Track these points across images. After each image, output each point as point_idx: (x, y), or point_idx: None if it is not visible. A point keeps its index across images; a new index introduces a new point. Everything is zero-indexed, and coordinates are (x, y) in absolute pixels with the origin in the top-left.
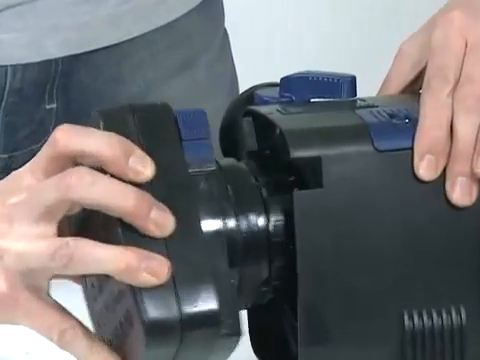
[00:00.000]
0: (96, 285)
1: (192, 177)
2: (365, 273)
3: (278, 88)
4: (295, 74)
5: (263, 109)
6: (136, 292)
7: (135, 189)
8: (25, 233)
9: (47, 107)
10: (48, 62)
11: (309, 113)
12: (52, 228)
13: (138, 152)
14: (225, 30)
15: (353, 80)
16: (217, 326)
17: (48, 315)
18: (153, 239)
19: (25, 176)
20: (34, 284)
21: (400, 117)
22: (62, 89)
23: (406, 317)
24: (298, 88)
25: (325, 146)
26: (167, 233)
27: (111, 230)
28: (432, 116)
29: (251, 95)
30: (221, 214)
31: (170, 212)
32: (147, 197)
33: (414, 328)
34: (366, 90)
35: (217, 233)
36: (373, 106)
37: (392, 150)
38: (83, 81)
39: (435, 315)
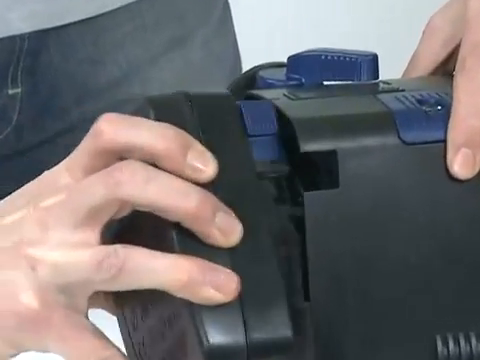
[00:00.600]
0: (139, 310)
1: (261, 179)
2: (390, 290)
3: (285, 69)
4: (305, 52)
5: (267, 94)
6: (195, 312)
7: (198, 188)
8: (63, 240)
9: (10, 92)
10: (12, 39)
11: (322, 98)
12: (95, 235)
13: (198, 147)
14: (226, 0)
15: (374, 59)
16: (288, 355)
17: (86, 340)
18: (215, 249)
19: (61, 175)
20: (71, 302)
21: (431, 103)
22: (28, 71)
23: (439, 343)
24: (309, 69)
25: (342, 138)
26: (234, 242)
27: (163, 237)
28: (468, 102)
29: (252, 77)
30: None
31: (238, 220)
32: (211, 198)
33: (449, 356)
34: (388, 73)
35: (289, 246)
36: (399, 90)
37: (421, 143)
38: (53, 62)
39: (474, 340)
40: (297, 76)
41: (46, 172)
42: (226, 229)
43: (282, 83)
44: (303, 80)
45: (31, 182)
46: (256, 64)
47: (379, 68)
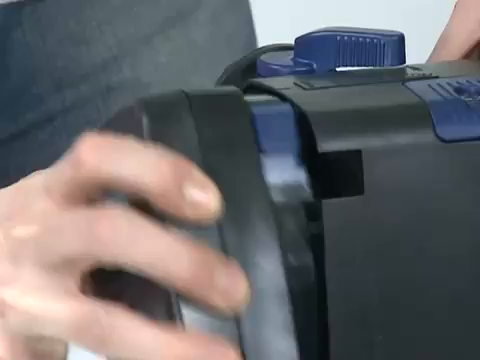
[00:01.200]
0: None
1: (277, 212)
2: (427, 326)
3: (290, 52)
4: (316, 32)
5: (274, 82)
6: None
7: (193, 247)
8: (37, 284)
9: None
10: None
11: (342, 88)
12: (76, 280)
13: (197, 177)
14: None
15: (400, 39)
16: None
17: None
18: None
19: (38, 194)
20: (47, 351)
21: (471, 92)
22: None
23: None
24: (321, 52)
25: (367, 135)
26: (239, 306)
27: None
28: None
29: (252, 63)
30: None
31: (245, 276)
32: (209, 257)
33: None
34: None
35: (311, 304)
36: (431, 77)
37: (462, 140)
38: (27, 40)
39: None
40: (306, 61)
41: (23, 183)
42: (230, 294)
43: (289, 69)
44: (314, 66)
45: (2, 191)
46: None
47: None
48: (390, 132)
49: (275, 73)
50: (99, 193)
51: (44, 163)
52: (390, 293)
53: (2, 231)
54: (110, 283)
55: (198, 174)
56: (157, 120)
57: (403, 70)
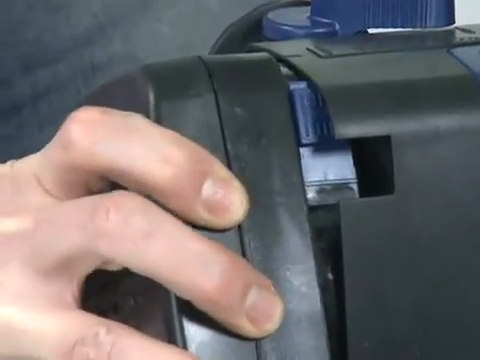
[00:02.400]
0: None
1: (316, 217)
2: (465, 335)
3: (307, 9)
4: None
5: (281, 47)
6: None
7: (223, 254)
8: (25, 290)
9: None
10: None
11: (367, 56)
12: (72, 288)
13: (221, 173)
14: None
15: None
16: None
17: None
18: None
19: (28, 184)
20: None
21: None
22: None
23: None
24: (346, 9)
25: (398, 117)
26: (270, 332)
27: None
28: None
29: (258, 20)
30: None
31: (279, 295)
32: (242, 269)
33: None
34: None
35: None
36: None
37: None
38: None
39: None
40: (327, 20)
41: (10, 164)
42: (259, 317)
43: (304, 31)
44: (337, 27)
45: None
46: None
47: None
48: (428, 113)
49: (286, 35)
50: (101, 183)
51: None
52: (425, 310)
53: None
54: (96, 292)
55: (222, 169)
56: (167, 95)
57: (450, 33)
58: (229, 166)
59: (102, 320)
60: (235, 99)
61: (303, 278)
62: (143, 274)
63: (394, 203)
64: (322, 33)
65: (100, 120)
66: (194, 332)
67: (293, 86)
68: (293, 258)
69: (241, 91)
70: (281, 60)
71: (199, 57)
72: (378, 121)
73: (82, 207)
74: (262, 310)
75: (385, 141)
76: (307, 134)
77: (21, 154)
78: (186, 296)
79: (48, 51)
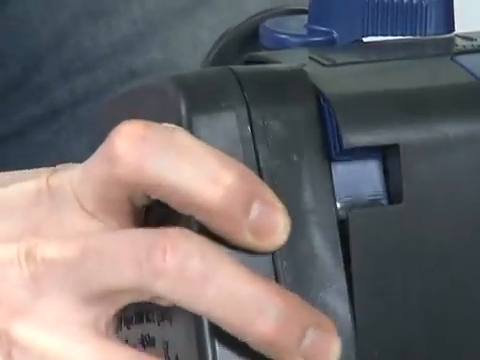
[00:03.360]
0: None
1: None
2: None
3: (304, 17)
4: None
5: (282, 56)
6: None
7: (284, 299)
8: (61, 318)
9: None
10: None
11: (372, 64)
12: (108, 316)
13: (268, 196)
14: None
15: (447, 1)
16: None
17: None
18: None
19: (69, 204)
20: None
21: None
22: None
23: None
24: (343, 17)
25: (406, 126)
26: None
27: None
28: None
29: (254, 29)
30: None
31: (335, 332)
32: (304, 312)
33: None
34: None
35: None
36: None
37: None
38: (31, 16)
39: None
40: (325, 28)
41: (42, 181)
42: (316, 357)
43: (302, 39)
44: (335, 35)
45: (14, 192)
46: None
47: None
48: (436, 121)
49: (283, 44)
50: (143, 200)
51: None
52: (434, 318)
53: (24, 249)
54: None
55: (268, 191)
56: (199, 107)
57: (451, 41)
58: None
59: (136, 353)
60: (267, 112)
61: (337, 300)
62: (198, 314)
63: (403, 212)
64: (320, 41)
65: (145, 135)
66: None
67: (324, 99)
68: (326, 279)
69: (273, 104)
70: None
71: (230, 68)
72: (386, 130)
73: (136, 241)
74: (319, 350)
75: (393, 150)
76: (337, 148)
77: (58, 160)
78: (242, 337)
79: (87, 57)
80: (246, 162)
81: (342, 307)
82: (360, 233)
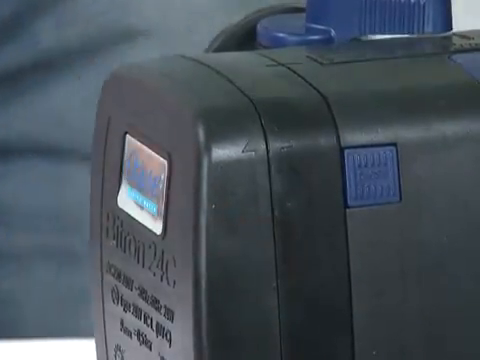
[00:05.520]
0: None
1: None
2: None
3: (302, 15)
4: None
5: (280, 55)
6: None
7: None
8: None
9: None
10: None
11: (369, 62)
12: None
13: None
14: None
15: None
16: None
17: None
18: None
19: None
20: None
21: None
22: None
23: None
24: (341, 16)
25: (404, 124)
26: None
27: None
28: None
29: (251, 28)
30: None
31: None
32: None
33: None
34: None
35: None
36: None
37: None
38: None
39: None
40: (322, 27)
41: None
42: None
43: (299, 38)
44: (332, 33)
45: None
46: None
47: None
48: (434, 120)
49: (281, 42)
50: None
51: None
52: (432, 318)
53: None
54: None
55: None
56: (218, 144)
57: (449, 39)
58: (273, 231)
59: None
60: (286, 156)
61: None
62: None
63: (401, 211)
64: (317, 40)
65: None
66: None
67: (345, 144)
68: None
69: (293, 146)
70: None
71: (250, 100)
72: (384, 129)
73: None
74: None
75: (391, 148)
76: (355, 197)
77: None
78: None
79: (83, 13)
80: (261, 208)
81: None
82: (358, 231)
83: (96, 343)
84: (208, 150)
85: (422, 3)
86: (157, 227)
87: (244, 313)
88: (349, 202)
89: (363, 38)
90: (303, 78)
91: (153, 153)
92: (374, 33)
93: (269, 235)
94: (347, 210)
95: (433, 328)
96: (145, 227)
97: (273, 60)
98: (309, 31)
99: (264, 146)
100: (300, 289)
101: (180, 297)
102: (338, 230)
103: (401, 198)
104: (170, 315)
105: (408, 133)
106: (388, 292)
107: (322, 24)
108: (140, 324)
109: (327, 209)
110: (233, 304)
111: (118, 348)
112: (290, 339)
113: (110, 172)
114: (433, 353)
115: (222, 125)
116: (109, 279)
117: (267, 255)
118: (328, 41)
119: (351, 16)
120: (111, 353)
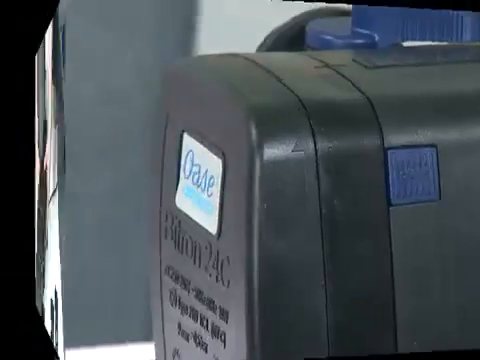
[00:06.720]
0: None
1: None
2: None
3: (348, 19)
4: None
5: (327, 57)
6: None
7: None
8: None
9: None
10: None
11: (411, 68)
12: None
13: None
14: None
15: None
16: None
17: None
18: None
19: None
20: None
21: None
22: None
23: None
24: (384, 22)
25: (444, 127)
26: None
27: None
28: None
29: (299, 31)
30: None
31: None
32: None
33: None
34: None
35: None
36: None
37: None
38: None
39: None
40: (367, 31)
41: None
42: None
43: (345, 41)
44: (376, 38)
45: None
46: None
47: None
48: (471, 123)
49: (328, 45)
50: None
51: None
52: (471, 311)
53: None
54: None
55: None
56: (270, 144)
57: None
58: (321, 230)
59: None
60: (333, 155)
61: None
62: None
63: (440, 208)
64: (362, 44)
65: None
66: None
67: (388, 145)
68: None
69: (339, 146)
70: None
71: (300, 101)
72: (425, 131)
73: None
74: None
75: (431, 149)
76: (398, 195)
77: None
78: None
79: None
80: (309, 206)
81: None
82: (401, 228)
83: (155, 347)
84: (260, 149)
85: (460, 15)
86: (213, 227)
87: (294, 312)
88: (392, 200)
89: (404, 44)
90: (349, 80)
91: (209, 152)
92: (415, 39)
93: (317, 234)
94: (390, 208)
95: (470, 320)
96: (201, 227)
97: (321, 62)
98: (354, 35)
99: (313, 146)
100: (346, 287)
101: (234, 297)
102: (382, 228)
103: (440, 197)
104: (225, 316)
105: (447, 135)
106: (429, 287)
107: (367, 29)
108: (196, 326)
109: (372, 207)
110: (284, 303)
111: (176, 352)
112: (336, 335)
113: (168, 171)
114: (469, 341)
115: (274, 124)
116: (167, 281)
117: (315, 254)
118: (372, 45)
119: (394, 22)
120: (169, 358)
